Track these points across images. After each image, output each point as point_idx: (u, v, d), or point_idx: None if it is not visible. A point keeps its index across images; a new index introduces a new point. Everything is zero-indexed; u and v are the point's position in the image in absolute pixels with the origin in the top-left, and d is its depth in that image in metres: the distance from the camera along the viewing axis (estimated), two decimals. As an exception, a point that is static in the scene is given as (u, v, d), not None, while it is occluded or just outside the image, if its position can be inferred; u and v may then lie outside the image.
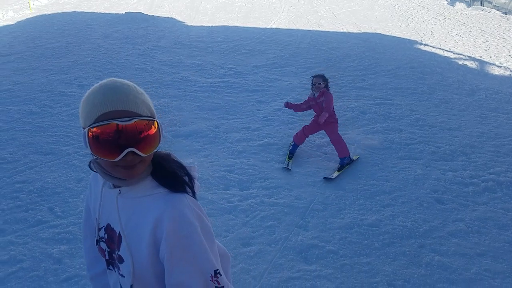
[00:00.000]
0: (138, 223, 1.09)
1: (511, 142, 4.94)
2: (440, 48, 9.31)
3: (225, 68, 7.63)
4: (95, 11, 12.85)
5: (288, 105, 4.67)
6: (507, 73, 7.71)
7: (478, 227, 3.40)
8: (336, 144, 4.38)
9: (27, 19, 11.42)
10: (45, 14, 11.85)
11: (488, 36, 10.16)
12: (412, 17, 12.57)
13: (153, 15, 12.12)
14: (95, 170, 1.16)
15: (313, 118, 4.57)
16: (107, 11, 12.72)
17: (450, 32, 10.69)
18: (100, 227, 1.19)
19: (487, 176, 4.15)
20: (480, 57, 8.62)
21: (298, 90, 6.54)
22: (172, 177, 1.12)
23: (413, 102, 6.19)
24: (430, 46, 9.49)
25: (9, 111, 5.40)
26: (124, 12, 12.27)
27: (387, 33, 10.69)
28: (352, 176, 4.14)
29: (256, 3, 14.59)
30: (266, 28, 11.07)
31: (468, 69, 7.97)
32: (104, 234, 1.18)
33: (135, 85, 1.08)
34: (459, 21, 11.96)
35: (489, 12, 12.86)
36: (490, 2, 13.56)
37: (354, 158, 4.48)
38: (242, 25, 11.37)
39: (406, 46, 9.45)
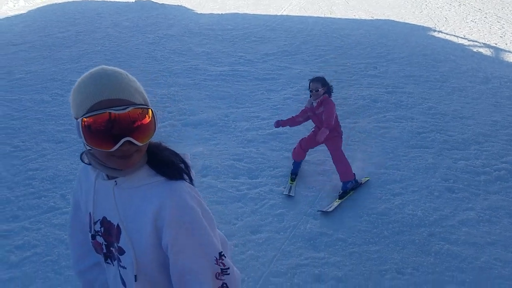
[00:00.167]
0: (137, 212, 1.08)
1: (525, 130, 4.85)
2: (455, 35, 9.11)
3: (234, 56, 7.59)
4: (105, -1, 12.85)
5: (279, 124, 3.88)
6: (524, 60, 7.52)
7: (489, 216, 3.36)
8: (338, 163, 3.62)
9: (37, 8, 11.48)
10: (55, 3, 11.88)
11: (504, 23, 9.89)
12: (426, 3, 12.28)
13: (162, 3, 12.07)
14: (86, 162, 1.14)
15: (312, 130, 3.85)
16: (117, 0, 12.71)
17: (465, 19, 10.44)
18: (95, 221, 1.16)
19: (499, 165, 4.08)
20: (496, 44, 8.41)
21: (308, 78, 6.46)
22: (169, 165, 1.11)
23: (425, 90, 6.09)
24: (444, 33, 9.29)
25: (21, 100, 5.47)
26: (133, 1, 12.24)
27: (400, 20, 10.48)
28: (362, 163, 4.11)
29: (266, -10, 14.40)
30: (276, 15, 10.94)
31: (482, 57, 7.79)
32: (100, 227, 1.16)
33: (126, 73, 1.06)
34: (474, 7, 11.66)
35: (506, -3, 12.50)
36: (507, -13, 13.16)
37: (363, 180, 3.77)
38: (252, 12, 11.25)
39: (419, 33, 9.26)
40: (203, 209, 1.09)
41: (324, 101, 3.54)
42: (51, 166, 3.97)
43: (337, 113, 3.64)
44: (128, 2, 12.29)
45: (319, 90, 3.53)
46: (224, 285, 1.09)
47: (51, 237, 3.00)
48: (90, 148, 1.02)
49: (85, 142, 0.99)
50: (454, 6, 11.84)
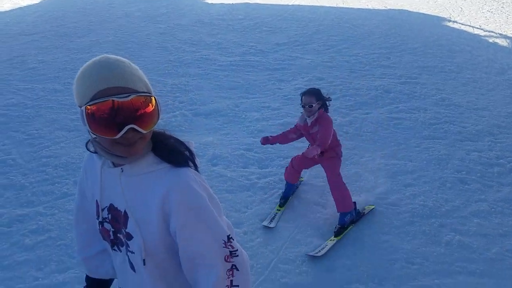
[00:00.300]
0: (144, 199, 1.09)
1: (542, 122, 4.75)
2: (470, 26, 8.91)
3: (245, 46, 7.56)
4: (117, -10, 12.86)
5: (268, 140, 3.27)
6: (541, 50, 7.34)
7: (502, 208, 3.31)
8: (334, 190, 3.06)
9: (51, -2, 11.56)
10: (68, -6, 11.95)
11: (522, 12, 9.65)
12: (441, -8, 12.03)
13: (174, -6, 12.04)
14: (92, 150, 1.15)
15: (308, 147, 3.17)
16: (128, -10, 12.71)
17: (481, 8, 10.20)
18: (102, 207, 1.18)
19: (514, 157, 4.02)
20: (513, 34, 8.22)
21: (320, 69, 6.43)
22: (174, 152, 1.12)
23: (439, 81, 6.00)
24: (459, 23, 9.10)
25: (34, 89, 5.55)
26: (145, -9, 12.23)
27: (414, 10, 10.29)
28: (373, 156, 4.08)
29: (278, -20, 14.26)
30: (288, 5, 10.84)
31: (499, 47, 7.62)
32: (108, 214, 1.17)
33: (129, 62, 1.06)
34: (491, -4, 11.39)
35: (524, -13, 12.17)
36: (526, -24, 12.80)
37: (366, 210, 3.24)
38: (263, 2, 11.16)
39: (434, 23, 9.09)
40: (209, 195, 1.10)
41: (320, 118, 3.00)
42: (64, 154, 4.03)
43: (335, 129, 3.11)
44: (139, -8, 12.28)
45: (313, 105, 2.96)
46: (234, 267, 1.10)
47: (65, 222, 3.06)
48: (95, 136, 1.03)
49: (89, 130, 1.00)
50: (470, -5, 11.58)
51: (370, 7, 10.69)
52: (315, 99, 2.97)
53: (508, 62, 6.75)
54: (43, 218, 3.11)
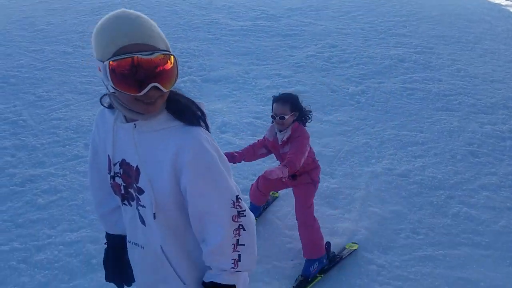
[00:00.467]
0: (156, 155, 1.10)
1: (560, 96, 4.62)
2: (492, -7, 8.54)
3: (257, 11, 7.35)
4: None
5: (234, 158, 2.45)
6: None
7: (512, 182, 3.29)
8: (303, 228, 2.42)
9: (58, -43, 11.26)
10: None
11: (548, -20, 9.16)
12: (463, -43, 11.45)
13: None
14: (106, 105, 1.16)
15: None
16: (137, -50, 12.31)
17: (505, -25, 9.72)
18: (114, 162, 1.20)
19: (528, 131, 3.94)
20: (537, 3, 7.86)
21: (334, 36, 6.26)
22: (187, 111, 1.12)
23: (456, 52, 5.82)
24: (480, -10, 8.71)
25: (43, 51, 5.51)
26: (154, -49, 11.83)
27: (434, -24, 9.84)
28: (384, 126, 4.03)
29: None
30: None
31: (521, 17, 7.32)
32: (119, 169, 1.19)
33: (148, 18, 1.05)
34: (517, -38, 10.81)
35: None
36: None
37: (346, 251, 2.56)
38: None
39: (453, -10, 8.72)
40: (219, 155, 1.12)
41: (293, 134, 2.31)
42: (74, 116, 4.04)
43: (312, 147, 2.44)
44: (149, -48, 11.89)
45: (286, 117, 2.26)
46: (241, 227, 1.13)
47: (76, 183, 3.12)
48: (114, 91, 1.03)
49: (112, 85, 1.00)
50: (494, -39, 11.01)
51: (387, -28, 10.24)
52: (289, 109, 2.27)
53: (529, 33, 6.50)
54: (54, 179, 3.16)
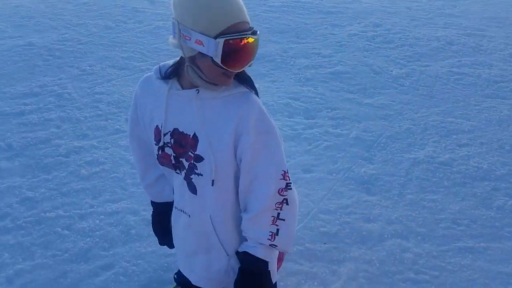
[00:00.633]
0: (218, 121, 1.13)
1: None
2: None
3: (298, -12, 7.14)
4: None
5: None
6: None
7: None
8: None
9: None
10: None
11: None
12: None
13: None
14: (163, 75, 1.16)
15: None
16: None
17: None
18: (165, 132, 1.20)
19: None
20: None
21: (378, 14, 6.01)
22: (248, 79, 1.18)
23: (510, 35, 5.44)
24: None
25: (87, 25, 5.64)
26: None
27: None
28: (429, 112, 3.86)
29: None
30: None
31: None
32: (170, 139, 1.20)
33: None
34: None
35: None
36: None
37: None
38: None
39: (512, -33, 8.07)
40: (276, 127, 1.19)
41: None
42: (116, 91, 4.15)
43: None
44: None
45: None
46: (285, 201, 1.16)
47: (117, 156, 3.22)
48: (192, 65, 1.08)
49: (220, 61, 1.02)
50: None
51: None
52: None
53: None
54: (97, 151, 3.28)
